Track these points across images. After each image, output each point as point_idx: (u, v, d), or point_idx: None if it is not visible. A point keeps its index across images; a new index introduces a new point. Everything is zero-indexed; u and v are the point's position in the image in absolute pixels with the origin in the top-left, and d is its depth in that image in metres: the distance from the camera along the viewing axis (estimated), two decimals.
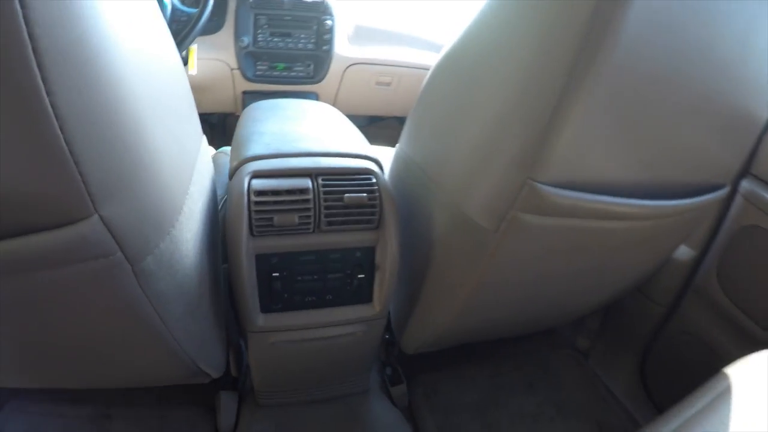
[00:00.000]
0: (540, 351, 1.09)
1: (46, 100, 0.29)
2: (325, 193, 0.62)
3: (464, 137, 0.59)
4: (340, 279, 0.68)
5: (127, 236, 0.39)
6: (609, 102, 0.45)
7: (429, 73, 0.69)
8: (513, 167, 0.51)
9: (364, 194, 0.63)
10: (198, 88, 1.34)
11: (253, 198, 0.60)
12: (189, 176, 0.54)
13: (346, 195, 0.62)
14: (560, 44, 0.43)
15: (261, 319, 0.66)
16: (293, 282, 0.66)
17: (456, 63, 0.62)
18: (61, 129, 0.30)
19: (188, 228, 0.51)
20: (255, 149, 0.66)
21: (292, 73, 1.33)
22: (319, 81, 1.35)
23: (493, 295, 0.67)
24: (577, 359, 1.07)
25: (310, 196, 0.61)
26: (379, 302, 0.70)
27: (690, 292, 0.83)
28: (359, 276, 0.67)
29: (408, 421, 0.91)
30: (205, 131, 1.54)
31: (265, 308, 0.67)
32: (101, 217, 0.35)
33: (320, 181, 0.62)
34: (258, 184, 0.60)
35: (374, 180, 0.65)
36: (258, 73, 1.32)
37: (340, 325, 0.71)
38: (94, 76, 0.32)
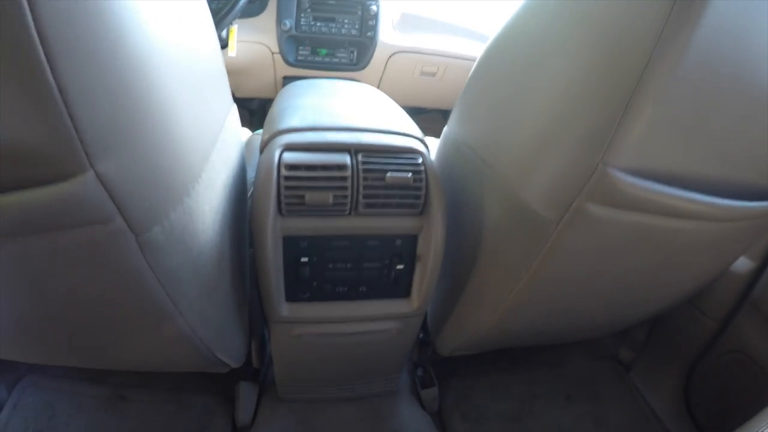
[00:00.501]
0: (580, 361, 1.05)
1: (32, 27, 0.25)
2: (365, 171, 0.56)
3: (525, 117, 0.53)
4: (377, 269, 0.61)
5: (129, 199, 0.34)
6: (689, 88, 0.41)
7: (482, 52, 0.64)
8: (584, 148, 0.45)
9: (409, 174, 0.56)
10: (238, 72, 1.32)
11: (284, 172, 0.54)
12: (211, 142, 0.48)
13: (389, 174, 0.56)
14: (641, 25, 0.40)
15: (285, 309, 0.60)
16: (323, 269, 0.60)
17: (514, 42, 0.58)
18: (50, 67, 0.26)
19: (207, 199, 0.46)
20: (289, 122, 0.60)
21: (335, 59, 1.31)
22: (362, 68, 1.32)
23: (543, 295, 0.61)
24: (618, 372, 1.02)
25: (348, 174, 0.55)
26: (418, 297, 0.63)
27: (746, 306, 0.77)
28: (398, 267, 0.61)
29: (437, 427, 0.86)
30: (244, 117, 1.52)
31: (291, 297, 0.61)
32: (97, 174, 0.31)
33: (360, 158, 0.56)
34: (290, 157, 0.55)
35: (420, 160, 0.58)
36: (299, 58, 1.30)
37: (373, 320, 0.65)
38: (95, 16, 0.29)
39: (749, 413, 0.52)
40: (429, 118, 1.52)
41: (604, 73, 0.43)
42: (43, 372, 0.88)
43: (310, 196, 0.54)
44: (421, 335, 0.88)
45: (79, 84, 0.28)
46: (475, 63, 0.67)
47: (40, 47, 0.26)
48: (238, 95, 1.41)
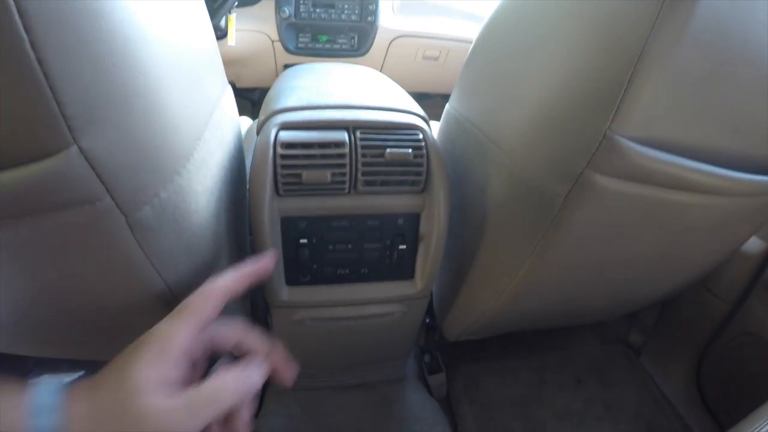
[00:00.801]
0: (590, 345, 1.03)
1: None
2: (364, 147, 0.54)
3: (528, 89, 0.51)
4: (378, 250, 0.59)
5: (116, 177, 0.33)
6: (696, 52, 0.39)
7: (482, 27, 0.62)
8: (590, 117, 0.43)
9: (409, 150, 0.54)
10: (238, 62, 1.31)
11: (280, 151, 0.52)
12: (203, 122, 0.47)
13: (388, 150, 0.54)
14: None
15: (285, 293, 0.59)
16: (324, 251, 0.58)
17: (514, 13, 0.56)
18: (29, 39, 0.25)
19: (199, 179, 0.44)
20: (285, 102, 0.58)
21: (336, 46, 1.29)
22: (363, 54, 1.30)
23: (550, 275, 0.59)
24: (628, 356, 1.01)
25: (346, 151, 0.53)
26: (422, 279, 0.61)
27: (758, 288, 0.75)
28: (400, 247, 0.59)
29: (445, 413, 0.84)
30: (246, 108, 1.51)
31: (291, 280, 0.59)
32: (81, 150, 0.29)
33: (358, 135, 0.54)
34: (286, 136, 0.53)
35: (420, 136, 0.56)
36: (300, 45, 1.28)
37: (377, 303, 0.63)
38: None
39: (763, 397, 0.51)
40: (433, 103, 1.50)
41: (608, 39, 0.42)
42: (51, 366, 0.88)
43: (307, 175, 0.52)
44: (427, 320, 0.86)
45: (60, 56, 0.26)
46: (475, 38, 0.64)
47: (18, 19, 0.24)
48: (239, 85, 1.39)
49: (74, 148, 0.29)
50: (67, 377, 0.35)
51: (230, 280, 0.41)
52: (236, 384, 0.36)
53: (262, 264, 0.44)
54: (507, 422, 0.86)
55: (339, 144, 0.53)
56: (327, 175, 0.52)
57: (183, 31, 0.43)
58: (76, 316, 0.48)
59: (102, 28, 0.29)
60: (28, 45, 0.24)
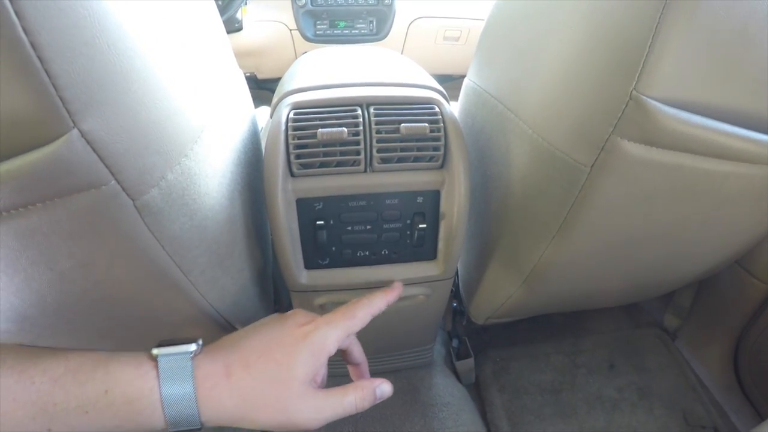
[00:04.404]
0: (623, 328, 1.00)
1: None
2: (378, 123, 0.52)
3: (548, 55, 0.48)
4: (398, 230, 0.57)
5: (121, 160, 0.32)
6: (727, 3, 0.36)
7: None
8: (613, 78, 0.40)
9: (425, 124, 0.52)
10: (257, 53, 1.31)
11: (292, 131, 0.51)
12: (212, 104, 0.46)
13: (403, 125, 0.52)
14: None
15: (305, 276, 0.57)
16: (341, 233, 0.56)
17: None
18: (20, 23, 0.24)
19: (209, 162, 0.44)
20: (298, 84, 0.57)
21: (354, 31, 1.28)
22: (383, 38, 1.29)
23: (577, 252, 0.56)
24: (663, 340, 0.98)
25: (360, 128, 0.51)
26: (445, 259, 0.58)
27: None
28: (420, 226, 0.56)
29: (473, 399, 0.82)
30: (267, 100, 1.52)
31: (310, 264, 0.58)
32: (82, 133, 0.29)
33: (372, 111, 0.52)
34: (298, 114, 0.52)
35: (437, 109, 0.54)
36: (318, 32, 1.27)
37: None
38: None
39: None
40: (456, 84, 1.47)
41: None
42: None
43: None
44: (454, 304, 0.84)
45: (54, 39, 0.26)
46: (491, 8, 0.62)
47: (9, 5, 0.23)
48: (260, 77, 1.39)
49: (75, 132, 0.28)
50: (187, 347, 0.38)
51: (379, 299, 0.48)
52: (355, 404, 0.43)
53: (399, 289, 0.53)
54: (537, 409, 0.83)
55: (353, 115, 0.51)
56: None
57: (184, 14, 0.43)
58: (98, 306, 0.48)
59: (94, 9, 0.28)
60: (20, 30, 0.24)
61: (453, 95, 0.62)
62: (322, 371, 0.47)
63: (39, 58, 0.25)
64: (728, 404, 0.86)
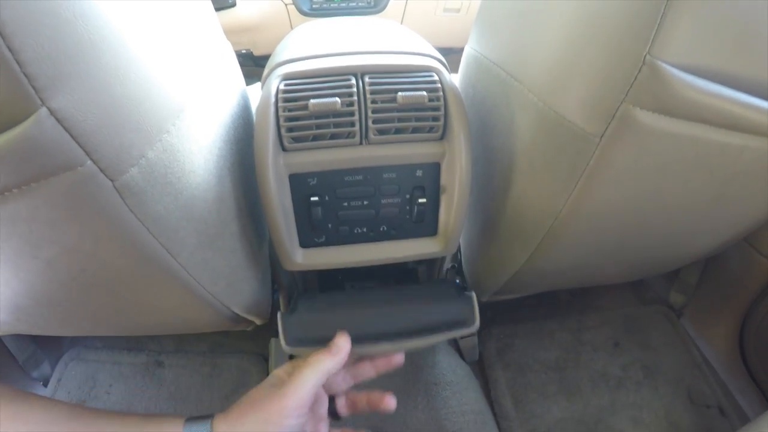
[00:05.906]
0: (628, 305, 0.99)
1: None
2: (373, 93, 0.49)
3: (555, 18, 0.45)
4: (397, 205, 0.55)
5: (95, 139, 0.30)
6: None
7: None
8: (626, 41, 0.37)
9: (423, 92, 0.49)
10: (253, 29, 1.27)
11: (282, 102, 0.48)
12: (195, 77, 0.43)
13: (400, 94, 0.49)
14: None
15: (300, 255, 0.55)
16: (337, 209, 0.54)
17: None
18: None
19: (193, 138, 0.41)
20: (290, 55, 0.54)
21: (351, 3, 1.25)
22: (381, 10, 1.25)
23: (585, 227, 0.53)
24: (669, 317, 0.97)
25: (355, 98, 0.49)
26: (446, 235, 0.56)
27: None
28: (420, 201, 0.54)
29: (477, 378, 0.81)
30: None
31: (305, 242, 0.56)
32: (51, 111, 0.27)
33: (367, 80, 0.50)
34: (288, 85, 0.49)
35: (436, 77, 0.51)
36: (314, 6, 1.24)
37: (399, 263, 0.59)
38: None
39: None
40: (458, 58, 1.43)
41: None
42: (84, 345, 0.90)
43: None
44: (457, 281, 0.82)
45: (14, 11, 0.24)
46: None
47: None
48: (256, 53, 1.36)
49: (44, 110, 0.27)
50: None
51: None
52: None
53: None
54: (541, 386, 0.83)
55: (347, 85, 0.49)
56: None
57: None
58: (89, 292, 0.47)
59: None
60: None
61: (454, 68, 0.59)
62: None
63: (0, 34, 0.23)
64: (733, 383, 0.85)
